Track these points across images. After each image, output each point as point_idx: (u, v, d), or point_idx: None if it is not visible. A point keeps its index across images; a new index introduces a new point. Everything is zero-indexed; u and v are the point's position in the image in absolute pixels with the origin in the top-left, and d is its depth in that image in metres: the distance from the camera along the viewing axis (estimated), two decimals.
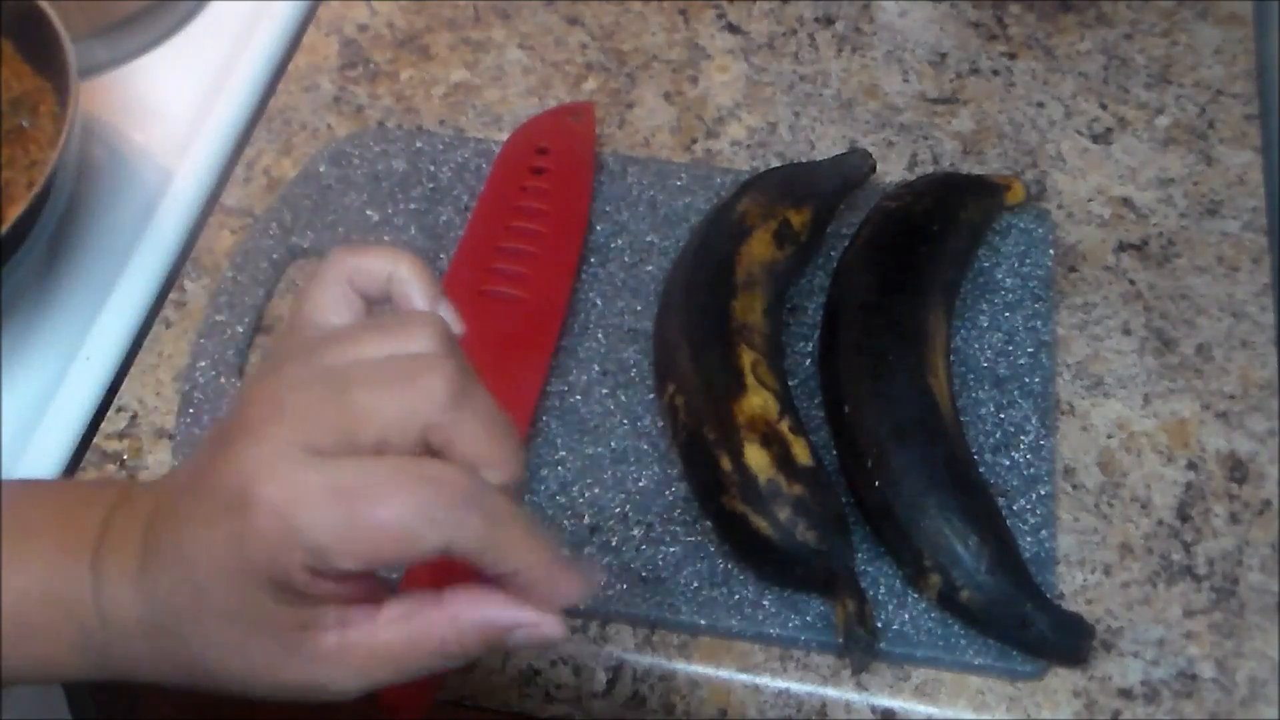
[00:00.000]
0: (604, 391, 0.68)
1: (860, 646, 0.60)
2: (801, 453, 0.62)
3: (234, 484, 0.41)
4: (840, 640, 0.60)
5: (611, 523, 0.64)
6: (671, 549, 0.63)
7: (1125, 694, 0.61)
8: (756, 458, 0.61)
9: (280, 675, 0.43)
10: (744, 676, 0.61)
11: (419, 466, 0.41)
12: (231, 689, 0.44)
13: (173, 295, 0.73)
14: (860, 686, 0.61)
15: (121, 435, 0.68)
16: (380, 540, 0.40)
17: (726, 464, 0.61)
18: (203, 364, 0.69)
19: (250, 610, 0.42)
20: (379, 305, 0.47)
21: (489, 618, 0.43)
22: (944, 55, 0.84)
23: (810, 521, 0.60)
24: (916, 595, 0.62)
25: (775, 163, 0.78)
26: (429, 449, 0.42)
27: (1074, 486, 0.66)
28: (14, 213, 0.66)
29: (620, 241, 0.74)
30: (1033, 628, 0.60)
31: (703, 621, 0.62)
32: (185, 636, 0.43)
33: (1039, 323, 0.71)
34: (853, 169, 0.74)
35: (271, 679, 0.44)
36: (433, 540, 0.41)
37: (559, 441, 0.66)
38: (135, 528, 0.45)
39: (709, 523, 0.63)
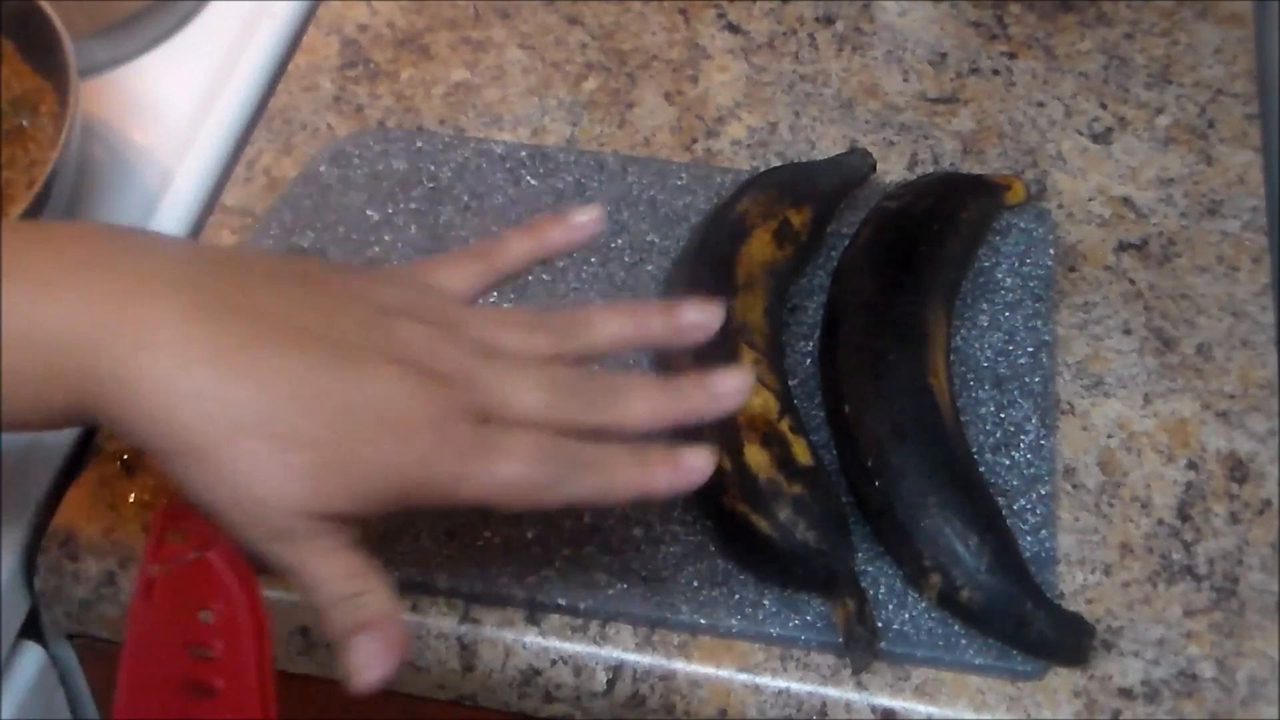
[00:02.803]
0: None
1: (861, 646, 0.60)
2: (801, 453, 0.62)
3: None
4: (840, 640, 0.60)
5: (611, 523, 0.64)
6: (671, 549, 0.63)
7: (1125, 694, 0.61)
8: (756, 457, 0.61)
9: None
10: (744, 676, 0.61)
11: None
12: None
13: None
14: (860, 686, 0.61)
15: None
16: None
17: (726, 463, 0.61)
18: None
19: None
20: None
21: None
22: (944, 55, 0.84)
23: (810, 521, 0.60)
24: (916, 595, 0.62)
25: (775, 163, 0.78)
26: None
27: (1074, 486, 0.66)
28: (14, 213, 0.66)
29: (620, 241, 0.74)
30: (1033, 627, 0.60)
31: (703, 621, 0.62)
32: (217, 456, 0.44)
33: (1039, 323, 0.71)
34: (853, 169, 0.74)
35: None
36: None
37: None
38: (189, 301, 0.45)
39: (709, 523, 0.63)
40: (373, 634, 0.46)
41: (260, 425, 0.44)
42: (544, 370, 0.49)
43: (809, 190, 0.72)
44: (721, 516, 0.62)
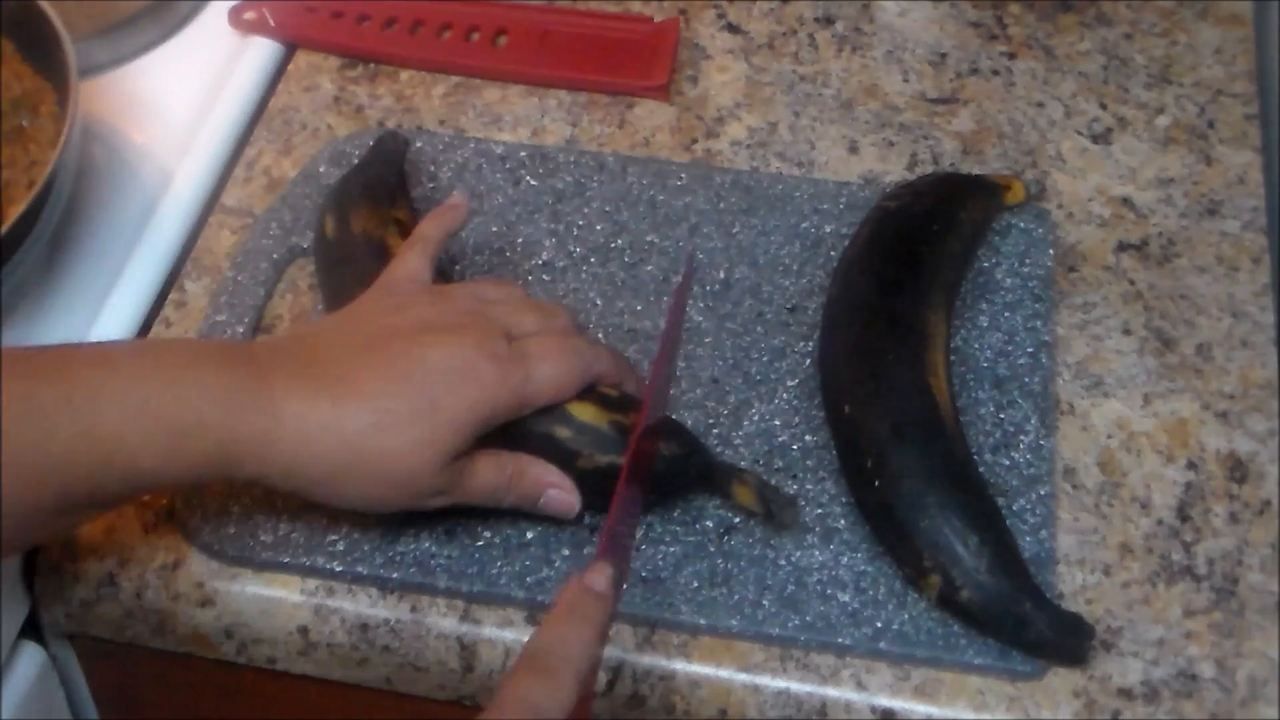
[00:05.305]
0: None
1: (780, 502, 0.61)
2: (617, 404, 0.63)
3: (451, 361, 0.59)
4: (761, 515, 0.62)
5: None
6: (671, 549, 0.63)
7: (1125, 694, 0.61)
8: (584, 411, 0.62)
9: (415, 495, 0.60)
10: (744, 676, 0.61)
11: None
12: (348, 502, 0.60)
13: (173, 295, 0.73)
14: (860, 686, 0.61)
15: None
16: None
17: (564, 433, 0.62)
18: None
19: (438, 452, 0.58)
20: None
21: (539, 475, 0.61)
22: (944, 55, 0.84)
23: (673, 432, 0.62)
24: (916, 595, 0.62)
25: (775, 163, 0.78)
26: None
27: (1074, 486, 0.66)
28: (14, 213, 0.66)
29: (620, 241, 0.74)
30: (1033, 628, 0.60)
31: (703, 621, 0.62)
32: (354, 463, 0.57)
33: (1039, 323, 0.71)
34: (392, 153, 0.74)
35: (406, 499, 0.60)
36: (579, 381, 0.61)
37: None
38: (292, 365, 0.58)
39: (583, 497, 0.63)
40: (546, 493, 0.62)
41: (377, 426, 0.57)
42: (528, 305, 0.64)
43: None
44: (585, 480, 0.62)
